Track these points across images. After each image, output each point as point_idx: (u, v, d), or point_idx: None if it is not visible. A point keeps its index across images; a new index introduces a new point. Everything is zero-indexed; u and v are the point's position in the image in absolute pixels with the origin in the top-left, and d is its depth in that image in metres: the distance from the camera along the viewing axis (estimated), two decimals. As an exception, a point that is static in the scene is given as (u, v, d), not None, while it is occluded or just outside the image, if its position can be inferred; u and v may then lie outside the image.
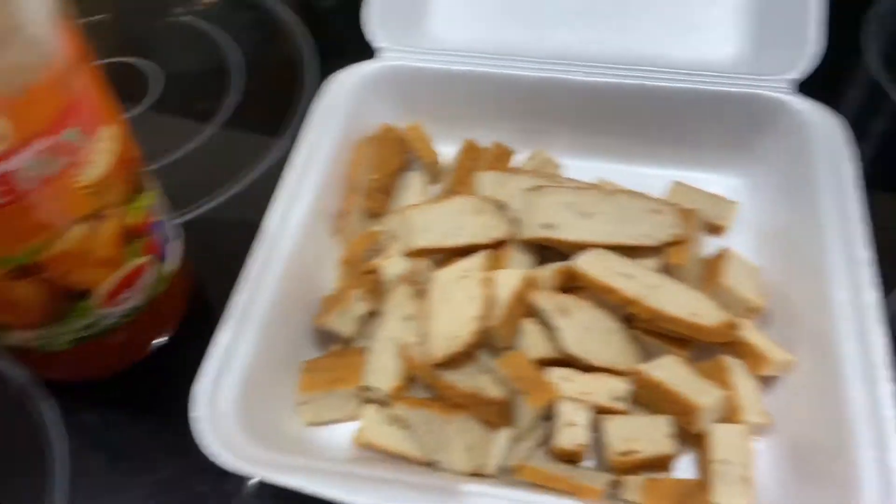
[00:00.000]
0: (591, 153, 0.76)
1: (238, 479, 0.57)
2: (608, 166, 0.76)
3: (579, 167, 0.75)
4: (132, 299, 0.58)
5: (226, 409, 0.53)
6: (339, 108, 0.72)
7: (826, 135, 0.66)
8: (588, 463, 0.57)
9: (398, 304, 0.61)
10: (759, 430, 0.57)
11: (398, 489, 0.47)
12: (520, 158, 0.76)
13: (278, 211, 0.63)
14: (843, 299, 0.56)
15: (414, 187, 0.74)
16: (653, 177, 0.75)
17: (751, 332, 0.59)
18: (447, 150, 0.76)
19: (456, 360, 0.55)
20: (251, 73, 0.93)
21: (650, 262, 0.63)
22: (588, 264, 0.59)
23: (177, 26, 1.01)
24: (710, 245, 0.68)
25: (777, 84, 0.71)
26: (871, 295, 0.55)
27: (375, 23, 0.78)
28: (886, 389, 0.50)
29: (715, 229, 0.71)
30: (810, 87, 0.71)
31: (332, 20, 1.02)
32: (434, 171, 0.76)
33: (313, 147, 0.68)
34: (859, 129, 0.80)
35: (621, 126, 0.75)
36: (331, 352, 0.61)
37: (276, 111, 0.88)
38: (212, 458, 0.50)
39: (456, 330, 0.55)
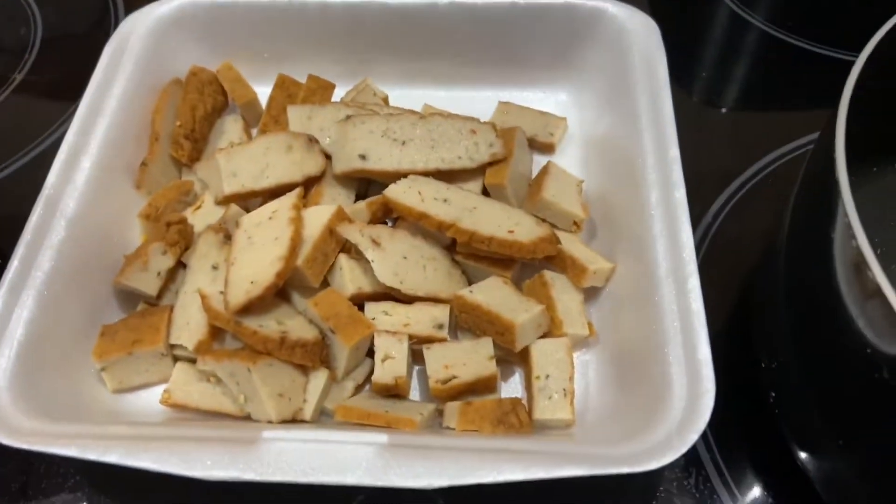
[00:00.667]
0: (417, 81, 0.73)
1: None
2: (436, 93, 0.73)
3: (406, 96, 0.72)
4: None
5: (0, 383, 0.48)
6: (133, 52, 0.66)
7: (641, 38, 0.65)
8: (417, 396, 0.55)
9: (204, 254, 0.56)
10: (583, 342, 0.56)
11: (182, 447, 0.43)
12: (343, 92, 0.71)
13: (58, 168, 0.57)
14: (654, 200, 0.55)
15: (231, 132, 0.69)
16: (482, 99, 0.72)
17: (573, 245, 0.58)
18: (267, 90, 0.71)
19: (259, 306, 0.51)
20: (49, 26, 0.85)
21: (471, 185, 0.61)
22: (400, 193, 0.56)
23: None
24: (539, 163, 0.67)
25: (594, -9, 0.68)
26: (679, 193, 0.54)
27: (173, -43, 0.71)
28: (693, 283, 0.50)
29: (545, 147, 0.69)
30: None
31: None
32: (253, 113, 0.71)
33: (101, 96, 0.62)
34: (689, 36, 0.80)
35: (445, 49, 0.72)
36: (134, 312, 0.57)
37: (77, 63, 0.80)
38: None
39: (257, 274, 0.51)
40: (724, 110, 0.76)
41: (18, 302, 0.51)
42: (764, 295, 0.54)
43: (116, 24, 0.83)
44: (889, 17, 0.47)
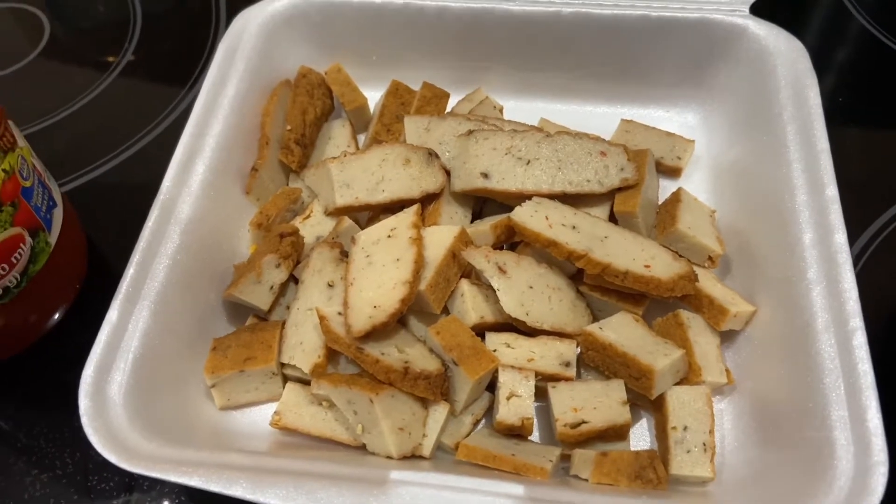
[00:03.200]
0: (534, 92, 0.69)
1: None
2: (553, 106, 0.69)
3: (521, 108, 0.69)
4: (5, 277, 0.50)
5: (116, 399, 0.46)
6: (245, 52, 0.63)
7: (787, 62, 0.60)
8: (537, 435, 0.52)
9: (318, 270, 0.54)
10: (720, 390, 0.52)
11: (309, 484, 0.40)
12: (456, 101, 0.68)
13: (174, 171, 0.55)
14: (808, 242, 0.50)
15: (339, 137, 0.66)
16: (600, 115, 0.69)
17: (710, 283, 0.54)
18: (377, 95, 0.69)
19: (382, 332, 0.48)
20: (156, 22, 0.83)
21: (598, 210, 0.57)
22: (527, 216, 0.53)
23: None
24: (665, 188, 0.62)
25: (733, 7, 0.64)
26: (840, 237, 0.49)
27: (287, -47, 0.69)
28: (860, 341, 0.45)
29: (671, 171, 0.65)
30: (767, 9, 0.64)
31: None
32: (362, 119, 0.68)
33: (215, 96, 0.60)
34: (822, 55, 0.75)
35: (565, 61, 0.68)
36: (244, 326, 0.54)
37: (183, 56, 0.79)
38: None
39: (380, 298, 0.49)
40: (862, 139, 0.70)
41: (134, 312, 0.49)
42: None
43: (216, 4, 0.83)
44: None
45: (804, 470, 0.43)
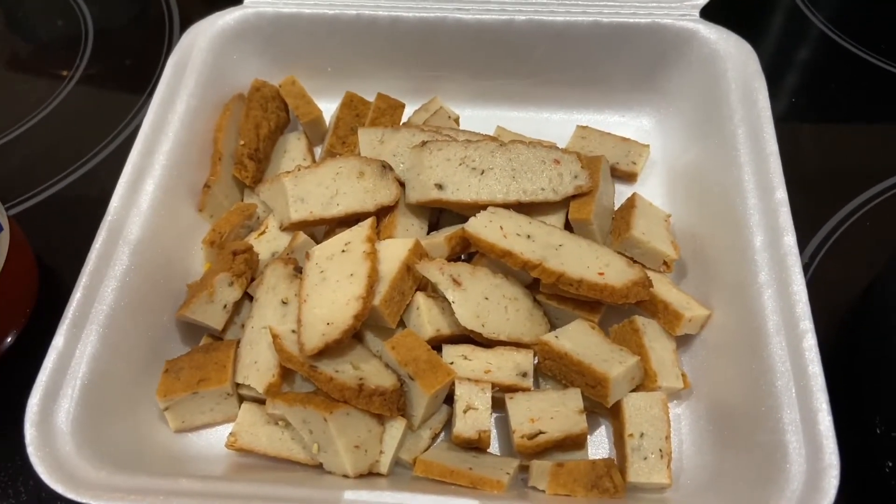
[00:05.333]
0: (490, 100, 0.69)
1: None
2: (509, 113, 0.69)
3: (478, 116, 0.69)
4: (-52, 306, 0.49)
5: (63, 427, 0.45)
6: (195, 65, 0.62)
7: (737, 64, 0.60)
8: (496, 446, 0.51)
9: (272, 287, 0.53)
10: (677, 395, 0.52)
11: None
12: (412, 111, 0.68)
13: (122, 191, 0.54)
14: (759, 245, 0.50)
15: (294, 151, 0.66)
16: (557, 122, 0.69)
17: (664, 287, 0.54)
18: (332, 107, 0.68)
19: (335, 349, 0.48)
20: (109, 36, 0.82)
21: (554, 218, 0.57)
22: (481, 227, 0.53)
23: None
24: (621, 193, 0.63)
25: (683, 12, 0.64)
26: (789, 239, 0.50)
27: (237, -36, 0.68)
28: (810, 343, 0.45)
29: (626, 176, 0.65)
30: (719, 12, 0.65)
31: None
32: (317, 131, 0.67)
33: (164, 114, 0.59)
34: (775, 55, 0.76)
35: (520, 68, 0.68)
36: (198, 347, 0.54)
37: (136, 72, 0.78)
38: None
39: (334, 314, 0.48)
40: (815, 140, 0.71)
41: (81, 337, 0.48)
42: (875, 352, 0.50)
43: (168, 11, 0.82)
44: None
45: (758, 473, 0.44)
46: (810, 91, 0.73)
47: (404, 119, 0.67)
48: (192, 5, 0.85)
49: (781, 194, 0.52)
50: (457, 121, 0.67)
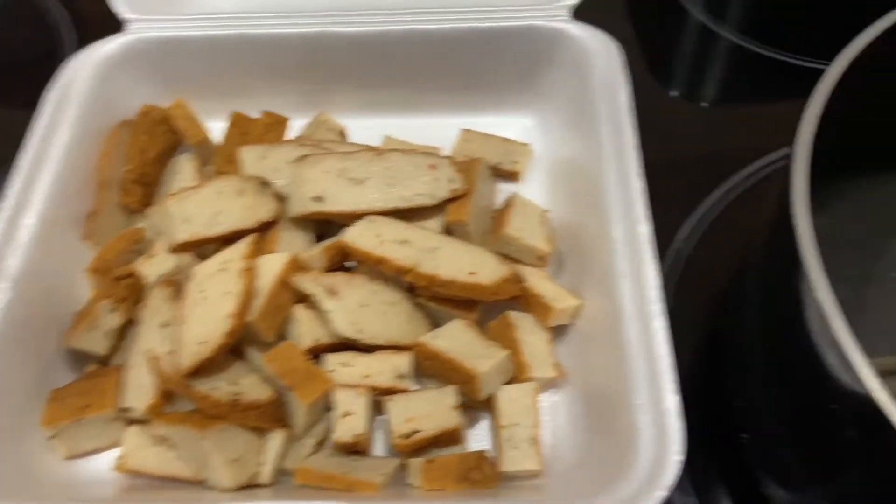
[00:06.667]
0: (377, 110, 0.71)
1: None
2: (397, 121, 0.71)
3: (366, 126, 0.69)
4: None
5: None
6: (77, 96, 0.63)
7: (602, 61, 0.63)
8: (383, 449, 0.53)
9: (155, 310, 0.54)
10: (552, 384, 0.54)
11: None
12: (301, 125, 0.69)
13: (1, 227, 0.55)
14: (619, 235, 0.53)
15: (185, 172, 0.66)
16: (446, 126, 0.70)
17: (539, 281, 0.56)
18: (223, 127, 0.69)
19: (210, 367, 0.49)
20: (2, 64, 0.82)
21: (433, 223, 0.59)
22: (357, 236, 0.54)
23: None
24: (507, 192, 0.64)
25: (555, 12, 0.66)
26: (643, 228, 0.52)
27: (118, -9, 0.69)
28: (659, 325, 0.48)
29: (510, 175, 0.67)
30: (591, 11, 0.67)
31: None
32: (206, 153, 0.68)
33: (45, 146, 0.60)
34: (653, 45, 0.78)
35: (404, 76, 0.69)
36: (83, 374, 0.55)
37: (23, 109, 0.78)
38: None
39: (207, 333, 0.49)
40: (695, 124, 0.74)
41: (-40, 374, 0.49)
42: (732, 330, 0.52)
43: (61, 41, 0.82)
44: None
45: (617, 454, 0.46)
46: (688, 79, 0.76)
47: (294, 133, 0.68)
48: (87, 30, 0.85)
49: (637, 185, 0.54)
50: (343, 132, 0.68)
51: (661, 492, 0.41)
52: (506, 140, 0.67)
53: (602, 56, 0.63)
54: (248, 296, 0.51)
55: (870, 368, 0.32)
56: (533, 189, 0.65)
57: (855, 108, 0.49)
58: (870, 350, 0.54)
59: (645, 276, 0.50)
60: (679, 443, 0.43)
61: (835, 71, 0.44)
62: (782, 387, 0.42)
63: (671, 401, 0.45)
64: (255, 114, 0.68)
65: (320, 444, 0.52)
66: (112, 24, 0.68)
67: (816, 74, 0.43)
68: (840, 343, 0.33)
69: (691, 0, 0.83)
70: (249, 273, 0.52)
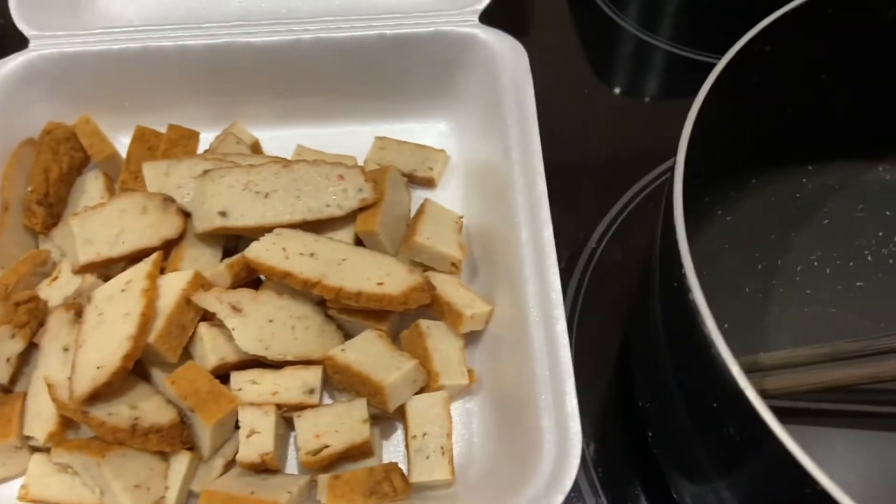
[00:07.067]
0: (290, 120, 0.70)
1: None
2: (312, 131, 0.70)
3: (279, 137, 0.69)
4: None
5: None
6: (-26, 117, 0.61)
7: (510, 65, 0.63)
8: (295, 466, 0.53)
9: (55, 334, 0.53)
10: (464, 391, 0.54)
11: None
12: (212, 138, 0.68)
13: None
14: (524, 239, 0.53)
15: (92, 191, 0.65)
16: (362, 134, 0.70)
17: (451, 288, 0.56)
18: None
19: (108, 392, 0.48)
20: None
21: (343, 233, 0.58)
22: (262, 250, 0.54)
23: None
24: (422, 199, 0.64)
25: (464, 17, 0.66)
26: (547, 232, 0.52)
27: (19, 8, 0.67)
28: (561, 328, 0.48)
29: (426, 182, 0.67)
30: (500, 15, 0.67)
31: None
32: (114, 168, 0.67)
33: (-60, 168, 0.58)
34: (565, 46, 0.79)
35: (316, 85, 0.69)
36: (-16, 404, 0.53)
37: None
38: None
39: (104, 358, 0.48)
40: (607, 122, 0.74)
41: None
42: (637, 329, 0.53)
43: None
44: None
45: (524, 457, 0.46)
46: (601, 77, 0.77)
47: (206, 147, 0.67)
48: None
49: (541, 188, 0.54)
50: (256, 144, 0.67)
51: (561, 495, 0.42)
52: (421, 146, 0.67)
53: (509, 59, 0.63)
54: (148, 316, 0.50)
55: (738, 367, 0.32)
56: (449, 195, 0.65)
57: (744, 106, 0.50)
58: (774, 340, 0.55)
59: (548, 280, 0.50)
60: (578, 445, 0.43)
61: (720, 67, 0.45)
62: (677, 386, 0.43)
63: (571, 404, 0.45)
64: (164, 128, 0.67)
65: (230, 465, 0.51)
66: (19, 41, 0.66)
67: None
68: (713, 342, 0.33)
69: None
70: (150, 293, 0.51)
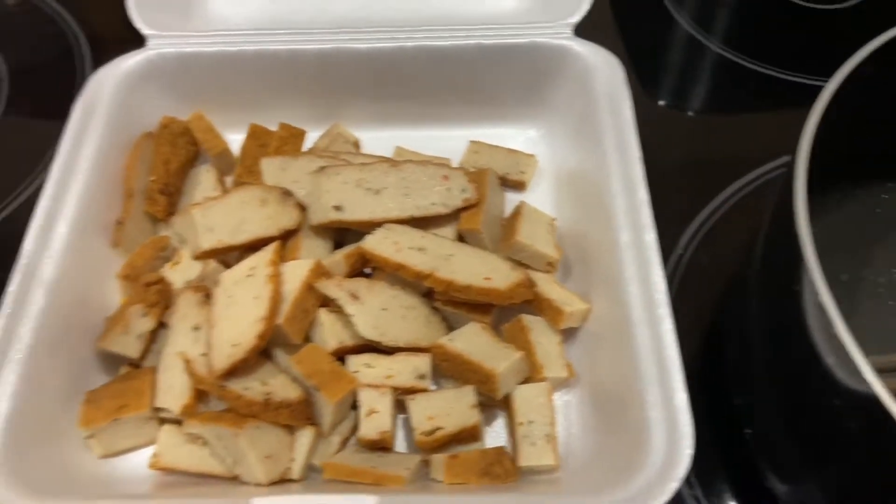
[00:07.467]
0: (388, 122, 0.74)
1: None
2: (407, 133, 0.74)
3: (378, 138, 0.73)
4: None
5: (-13, 462, 0.48)
6: (102, 108, 0.66)
7: (605, 77, 0.66)
8: (404, 446, 0.56)
9: (184, 314, 0.57)
10: (564, 383, 0.57)
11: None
12: (315, 137, 0.72)
13: (34, 234, 0.57)
14: (625, 242, 0.56)
15: (205, 183, 0.69)
16: (453, 138, 0.73)
17: (549, 286, 0.59)
18: (240, 139, 0.72)
19: (243, 368, 0.52)
20: (17, 79, 0.84)
21: (446, 231, 0.62)
22: (376, 243, 0.57)
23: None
24: (514, 201, 0.68)
25: (558, 30, 0.70)
26: (649, 235, 0.55)
27: (138, 8, 0.71)
28: (667, 327, 0.51)
29: (517, 185, 0.70)
30: (596, 26, 0.71)
31: (102, 8, 0.93)
32: (226, 163, 0.71)
33: (74, 157, 0.62)
34: (649, 60, 0.82)
35: (415, 90, 0.72)
36: (117, 376, 0.57)
37: (51, 116, 0.80)
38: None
39: (239, 336, 0.52)
40: (689, 136, 0.77)
41: (1, 377, 0.51)
42: (733, 330, 0.56)
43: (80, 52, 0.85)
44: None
45: (630, 448, 0.49)
46: (685, 91, 0.80)
47: (309, 145, 0.71)
48: (102, 45, 0.87)
49: (643, 195, 0.57)
50: (357, 144, 0.71)
51: (674, 483, 0.45)
52: (512, 151, 0.70)
53: (604, 71, 0.67)
54: (276, 300, 0.53)
55: (869, 366, 0.35)
56: (539, 198, 0.68)
57: (847, 122, 0.52)
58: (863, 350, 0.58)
59: (652, 281, 0.53)
60: (690, 437, 0.46)
61: (831, 87, 0.48)
62: (783, 384, 0.46)
63: (680, 398, 0.48)
64: (270, 125, 0.71)
65: (345, 442, 0.55)
66: (127, 40, 0.70)
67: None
68: (843, 343, 0.36)
69: (681, 13, 0.86)
70: (276, 278, 0.55)
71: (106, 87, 0.67)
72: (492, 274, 0.57)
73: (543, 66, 0.70)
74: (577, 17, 0.70)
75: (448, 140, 0.73)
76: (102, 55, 0.81)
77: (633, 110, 0.63)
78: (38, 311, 0.54)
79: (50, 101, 0.81)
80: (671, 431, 0.47)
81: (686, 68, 0.84)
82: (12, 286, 0.54)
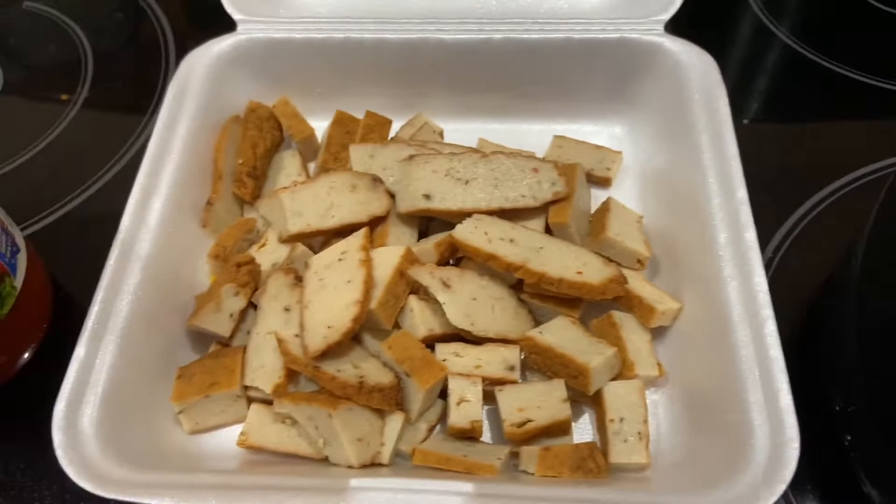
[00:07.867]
0: (471, 114, 0.74)
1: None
2: (490, 126, 0.73)
3: (460, 129, 0.72)
4: (-28, 324, 0.52)
5: (87, 431, 0.49)
6: (194, 90, 0.66)
7: (699, 75, 0.65)
8: (489, 436, 0.56)
9: (275, 295, 0.57)
10: (653, 382, 0.56)
11: (275, 496, 0.44)
12: (398, 126, 0.72)
13: (131, 210, 0.58)
14: (723, 241, 0.55)
15: (290, 167, 0.70)
16: (535, 132, 0.73)
17: (639, 283, 0.58)
18: (323, 125, 0.72)
19: (336, 350, 0.52)
20: (107, 60, 0.86)
21: (535, 223, 0.61)
22: (467, 233, 0.57)
23: (25, 14, 0.92)
24: (597, 197, 0.67)
25: (648, 27, 0.69)
26: (750, 235, 0.54)
27: (229, -7, 0.72)
28: (770, 328, 0.50)
29: (602, 181, 0.69)
30: (683, 25, 0.69)
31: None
32: (310, 148, 0.71)
33: (168, 137, 0.63)
34: (739, 62, 0.81)
35: (499, 83, 0.72)
36: (207, 354, 0.57)
37: (136, 99, 0.81)
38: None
39: (334, 318, 0.52)
40: (778, 141, 0.76)
41: (101, 347, 0.52)
42: (835, 336, 0.54)
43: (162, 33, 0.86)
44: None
45: (728, 450, 0.48)
46: (772, 95, 0.78)
47: (392, 134, 0.71)
48: (184, 25, 0.89)
49: (742, 193, 0.56)
50: (441, 134, 0.71)
51: (782, 485, 0.43)
52: (597, 147, 0.70)
53: (698, 69, 0.65)
54: (369, 284, 0.53)
55: None
56: (623, 195, 0.67)
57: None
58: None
59: (753, 281, 0.52)
60: (796, 439, 0.45)
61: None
62: (892, 390, 0.44)
63: (786, 400, 0.47)
64: (353, 113, 0.71)
65: (432, 429, 0.54)
66: (217, 28, 0.71)
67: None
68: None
69: (775, 22, 0.85)
70: (368, 263, 0.55)
71: (197, 70, 0.68)
72: (583, 268, 0.56)
73: (632, 63, 0.69)
74: (668, 15, 0.69)
75: (530, 134, 0.73)
76: (184, 38, 0.83)
77: (728, 108, 0.62)
78: (134, 285, 0.55)
79: (134, 80, 0.83)
80: (776, 434, 0.46)
81: (775, 73, 0.82)
82: (111, 259, 0.55)
